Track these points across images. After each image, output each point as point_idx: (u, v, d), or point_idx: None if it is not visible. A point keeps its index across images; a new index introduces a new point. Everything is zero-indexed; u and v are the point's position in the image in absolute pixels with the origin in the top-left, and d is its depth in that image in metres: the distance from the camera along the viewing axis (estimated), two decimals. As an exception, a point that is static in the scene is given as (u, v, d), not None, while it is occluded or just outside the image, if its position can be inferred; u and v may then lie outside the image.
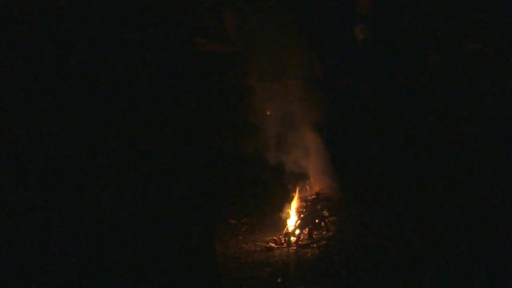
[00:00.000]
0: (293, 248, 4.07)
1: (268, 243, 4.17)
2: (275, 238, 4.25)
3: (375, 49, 5.20)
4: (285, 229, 4.36)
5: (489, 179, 4.37)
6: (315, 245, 4.06)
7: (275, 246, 4.12)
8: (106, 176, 3.06)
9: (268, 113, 4.94)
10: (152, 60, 3.06)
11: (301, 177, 4.79)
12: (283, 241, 4.18)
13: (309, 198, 4.61)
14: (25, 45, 2.76)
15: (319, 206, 4.52)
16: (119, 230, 3.39)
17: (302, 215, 4.42)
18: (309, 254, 3.95)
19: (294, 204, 4.59)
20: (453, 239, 3.85)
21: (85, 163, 2.91)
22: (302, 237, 4.20)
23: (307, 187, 4.80)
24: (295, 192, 4.70)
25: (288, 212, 4.51)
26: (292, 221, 4.43)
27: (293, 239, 4.19)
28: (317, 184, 4.80)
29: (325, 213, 4.44)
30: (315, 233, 4.23)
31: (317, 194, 4.63)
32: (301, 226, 4.30)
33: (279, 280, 3.54)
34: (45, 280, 2.89)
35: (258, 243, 4.19)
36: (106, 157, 3.00)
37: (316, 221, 4.34)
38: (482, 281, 3.27)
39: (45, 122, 2.84)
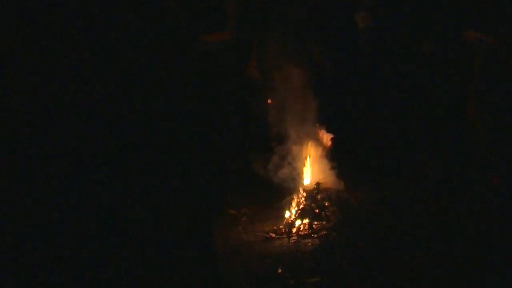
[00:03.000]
0: (294, 238, 4.05)
1: (268, 234, 4.15)
2: (275, 228, 4.24)
3: (376, 37, 5.17)
4: (285, 219, 4.34)
5: (492, 171, 4.35)
6: (315, 236, 4.04)
7: (275, 237, 4.11)
8: (104, 166, 3.02)
9: (269, 101, 4.92)
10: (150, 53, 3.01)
11: (301, 168, 4.77)
12: (283, 231, 4.17)
13: (309, 188, 4.59)
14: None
15: (319, 197, 4.50)
16: (114, 221, 3.34)
17: (302, 206, 4.40)
18: (310, 244, 3.94)
19: (295, 194, 4.57)
20: (456, 229, 3.85)
21: (84, 153, 2.87)
22: (302, 228, 4.18)
23: (308, 177, 4.78)
24: (296, 182, 4.68)
25: (289, 203, 4.49)
26: (292, 211, 4.42)
27: (293, 229, 4.16)
28: (317, 174, 4.78)
29: (325, 204, 4.42)
30: (316, 223, 4.21)
31: (318, 184, 4.60)
32: (301, 217, 4.29)
33: (279, 270, 3.52)
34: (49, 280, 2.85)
35: (258, 234, 4.17)
36: (106, 147, 2.96)
37: (317, 211, 4.32)
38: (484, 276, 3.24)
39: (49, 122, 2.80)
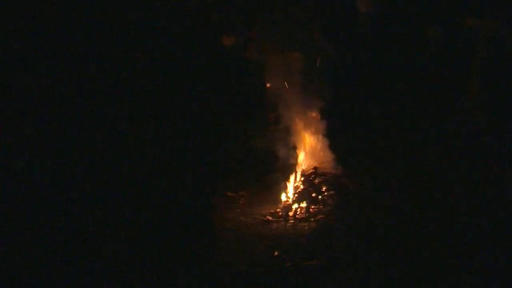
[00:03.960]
0: (291, 221, 4.09)
1: (265, 216, 4.18)
2: (272, 211, 4.27)
3: (378, 21, 5.15)
4: (283, 202, 4.38)
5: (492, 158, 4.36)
6: (312, 219, 4.08)
7: (273, 219, 4.14)
8: (110, 148, 3.05)
9: (268, 85, 4.91)
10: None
11: (299, 152, 4.79)
12: (280, 214, 4.20)
13: (307, 172, 4.62)
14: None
15: (316, 181, 4.54)
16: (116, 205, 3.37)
17: (299, 190, 4.43)
18: (306, 227, 3.98)
19: (292, 178, 4.60)
20: (451, 213, 3.88)
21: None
22: (299, 211, 4.22)
23: (305, 161, 4.81)
24: (293, 167, 4.71)
25: (286, 186, 4.52)
26: (289, 195, 4.45)
27: (290, 212, 4.20)
28: (315, 159, 4.81)
29: (322, 188, 4.45)
30: (312, 207, 4.25)
31: (315, 168, 4.64)
32: (298, 200, 4.32)
33: (276, 253, 3.56)
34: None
35: (256, 216, 4.20)
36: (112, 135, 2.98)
37: (314, 195, 4.36)
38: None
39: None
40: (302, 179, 4.56)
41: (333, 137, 4.88)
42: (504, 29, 4.12)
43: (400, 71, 5.18)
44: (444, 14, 4.71)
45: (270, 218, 4.17)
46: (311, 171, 4.63)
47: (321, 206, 4.26)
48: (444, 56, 4.87)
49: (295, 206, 4.28)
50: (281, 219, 4.13)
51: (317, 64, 4.84)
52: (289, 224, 4.05)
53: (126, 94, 3.20)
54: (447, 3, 4.69)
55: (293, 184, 4.56)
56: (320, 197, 4.35)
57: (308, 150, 4.85)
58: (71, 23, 2.75)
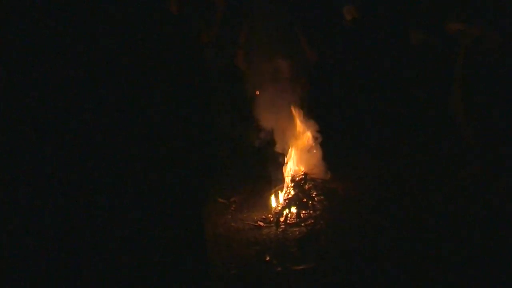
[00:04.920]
0: (281, 227, 4.12)
1: (256, 222, 4.22)
2: (263, 217, 4.31)
3: (363, 28, 5.22)
4: (274, 208, 4.41)
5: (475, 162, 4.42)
6: (303, 224, 4.11)
7: (264, 225, 4.17)
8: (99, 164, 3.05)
9: (257, 93, 4.95)
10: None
11: (289, 158, 4.83)
12: (271, 220, 4.23)
13: (297, 178, 4.65)
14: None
15: (307, 186, 4.57)
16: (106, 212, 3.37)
17: (290, 195, 4.47)
18: (297, 233, 4.01)
19: (283, 184, 4.63)
20: (439, 217, 3.92)
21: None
22: (290, 216, 4.25)
23: (295, 167, 4.84)
24: (283, 172, 4.74)
25: (277, 192, 4.56)
26: (280, 200, 4.48)
27: (281, 218, 4.23)
28: (305, 164, 4.85)
29: (312, 193, 4.49)
30: (303, 212, 4.29)
31: (305, 174, 4.68)
32: (289, 206, 4.36)
33: (267, 258, 3.58)
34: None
35: (246, 222, 4.23)
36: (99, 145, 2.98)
37: (304, 200, 4.39)
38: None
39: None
40: (292, 185, 4.59)
41: (323, 143, 4.92)
42: (486, 33, 4.18)
43: (386, 75, 5.23)
44: (428, 18, 4.77)
45: (261, 223, 4.20)
46: (301, 177, 4.66)
47: (311, 211, 4.30)
48: (428, 60, 4.93)
49: (285, 211, 4.31)
50: (272, 225, 4.17)
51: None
52: (280, 230, 4.08)
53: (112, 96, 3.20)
54: (430, 8, 4.75)
55: (283, 190, 4.59)
56: (310, 202, 4.38)
57: (298, 156, 4.89)
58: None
